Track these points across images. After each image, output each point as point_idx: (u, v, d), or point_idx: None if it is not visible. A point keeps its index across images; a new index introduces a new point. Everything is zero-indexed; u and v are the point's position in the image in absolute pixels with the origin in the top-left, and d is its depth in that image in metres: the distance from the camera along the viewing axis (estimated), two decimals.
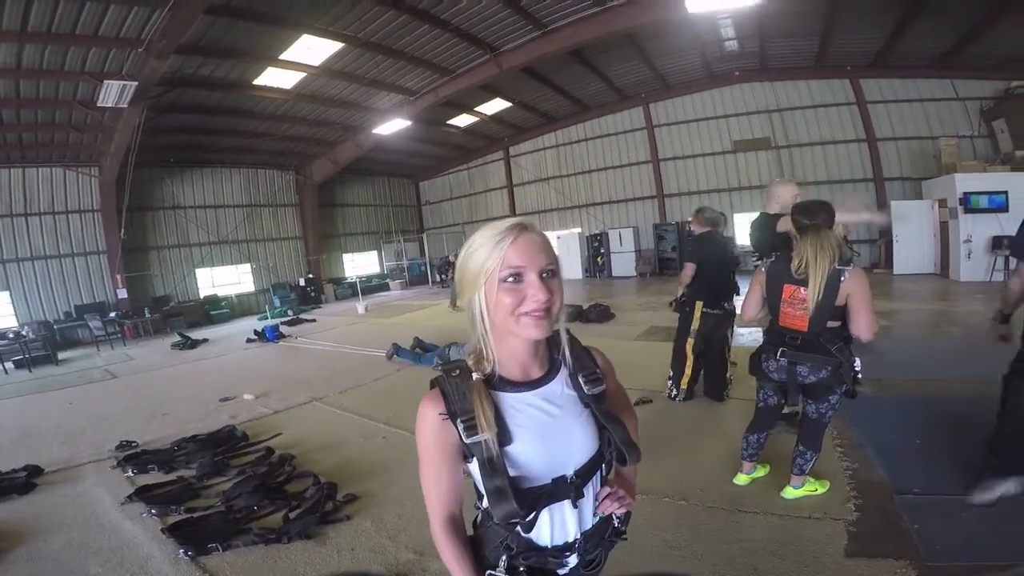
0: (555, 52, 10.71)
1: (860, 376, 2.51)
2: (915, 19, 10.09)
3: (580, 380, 1.01)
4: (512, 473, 0.93)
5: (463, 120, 15.52)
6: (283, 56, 9.51)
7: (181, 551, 2.63)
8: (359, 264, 19.94)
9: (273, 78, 10.35)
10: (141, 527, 2.99)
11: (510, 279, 0.89)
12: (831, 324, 2.45)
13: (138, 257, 13.48)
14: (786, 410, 2.99)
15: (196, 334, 11.23)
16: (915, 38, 11.03)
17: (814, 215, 2.53)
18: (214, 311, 14.21)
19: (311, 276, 17.01)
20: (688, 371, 4.38)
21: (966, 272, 10.46)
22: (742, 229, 14.92)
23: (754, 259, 3.90)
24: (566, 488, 0.96)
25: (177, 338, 10.62)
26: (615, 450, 1.02)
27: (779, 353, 2.55)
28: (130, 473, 3.79)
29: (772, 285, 2.60)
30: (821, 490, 2.77)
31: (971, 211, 10.30)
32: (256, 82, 10.38)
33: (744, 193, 15.00)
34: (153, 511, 3.09)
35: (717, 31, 11.06)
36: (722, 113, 14.95)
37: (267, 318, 13.04)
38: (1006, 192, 10.00)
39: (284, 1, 7.89)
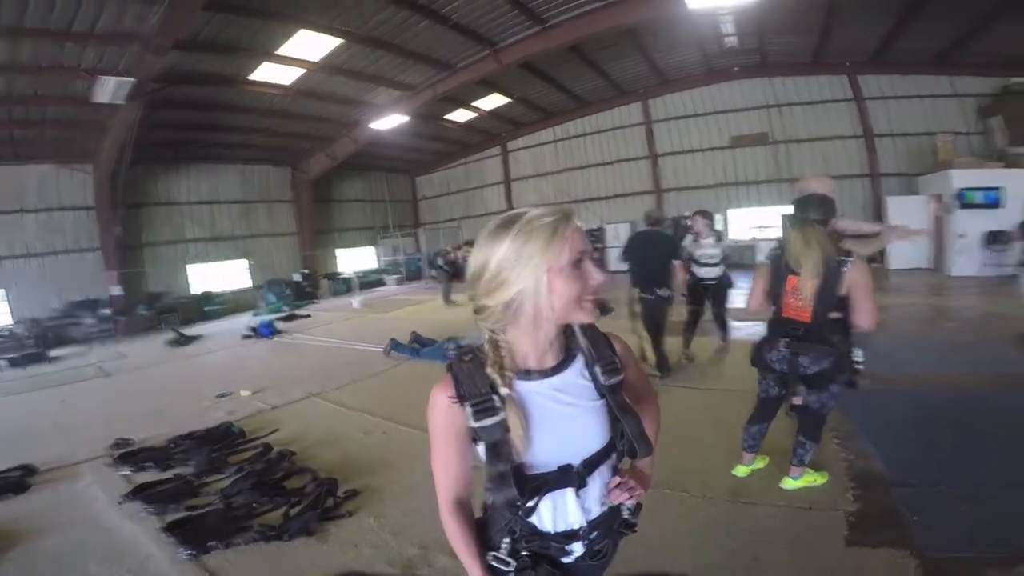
0: (555, 48, 10.69)
1: (861, 367, 2.53)
2: (915, 17, 10.12)
3: (597, 370, 1.01)
4: (517, 460, 0.93)
5: (461, 115, 15.44)
6: (280, 51, 9.42)
7: (181, 550, 2.61)
8: (355, 259, 19.85)
9: (270, 74, 10.25)
10: (140, 526, 2.97)
11: (576, 265, 0.91)
12: (833, 315, 2.46)
13: (132, 253, 13.33)
14: (796, 401, 3.01)
15: (190, 331, 11.16)
16: (915, 35, 11.04)
17: (806, 210, 2.56)
18: (208, 307, 14.09)
19: (306, 272, 16.88)
20: (646, 349, 4.88)
21: (960, 267, 10.56)
22: (737, 225, 15.01)
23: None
24: (571, 477, 0.96)
25: (171, 335, 10.55)
26: (627, 442, 1.01)
27: (782, 344, 2.56)
28: (126, 471, 3.76)
29: (776, 277, 2.61)
30: (820, 481, 2.79)
31: (966, 206, 10.39)
32: (252, 77, 10.28)
33: (741, 188, 15.03)
34: (151, 510, 3.07)
35: (717, 27, 11.03)
36: (720, 109, 14.94)
37: (262, 314, 12.97)
38: (1000, 188, 10.10)
39: None
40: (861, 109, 13.48)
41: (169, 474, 3.63)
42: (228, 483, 3.30)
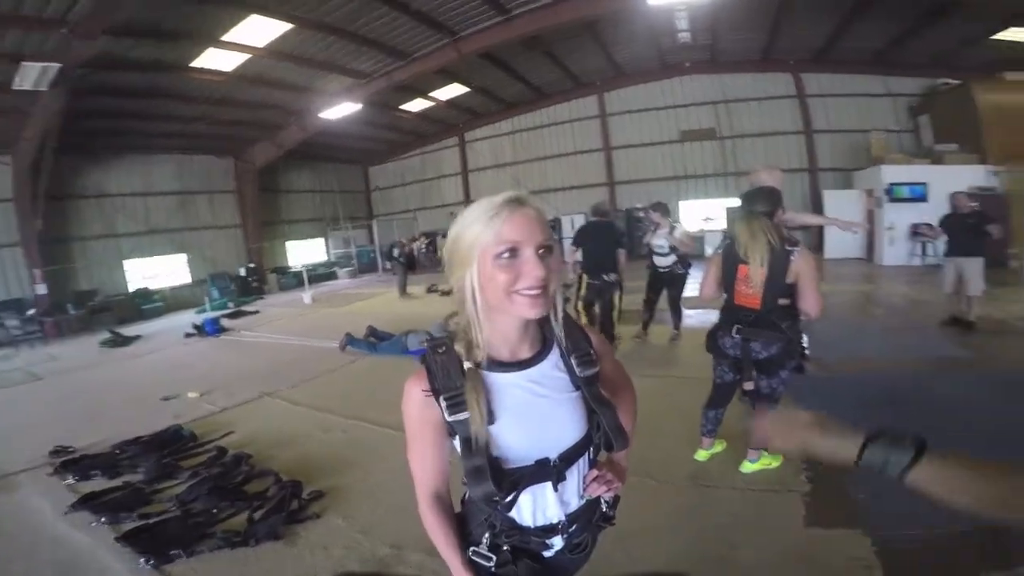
0: (517, 38, 10.65)
1: (808, 352, 2.68)
2: (859, 17, 10.71)
3: (573, 361, 0.99)
4: (494, 453, 0.92)
5: (417, 105, 15.15)
6: (226, 37, 8.89)
7: (141, 560, 2.47)
8: (304, 252, 19.14)
9: (213, 60, 9.67)
10: (92, 536, 2.80)
11: (505, 255, 0.86)
12: (781, 302, 2.59)
13: (59, 249, 12.30)
14: (747, 387, 3.15)
15: (127, 330, 10.47)
16: (856, 35, 11.72)
17: (753, 202, 2.69)
18: (146, 305, 13.22)
19: (252, 266, 16.14)
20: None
21: (889, 257, 11.36)
22: (688, 216, 15.51)
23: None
24: (548, 470, 0.96)
25: (106, 335, 9.87)
26: (603, 435, 1.01)
27: (734, 330, 2.68)
28: (70, 480, 3.52)
29: (727, 266, 2.72)
30: (775, 464, 2.94)
31: (895, 200, 11.17)
32: (194, 64, 9.67)
33: (691, 182, 15.55)
34: (103, 519, 2.89)
35: (672, 22, 11.27)
36: (672, 103, 15.37)
37: (206, 311, 12.34)
38: (926, 184, 10.90)
39: None
40: (803, 106, 14.21)
41: (118, 482, 3.42)
42: (183, 489, 3.14)
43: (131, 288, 13.68)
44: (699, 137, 15.22)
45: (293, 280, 16.56)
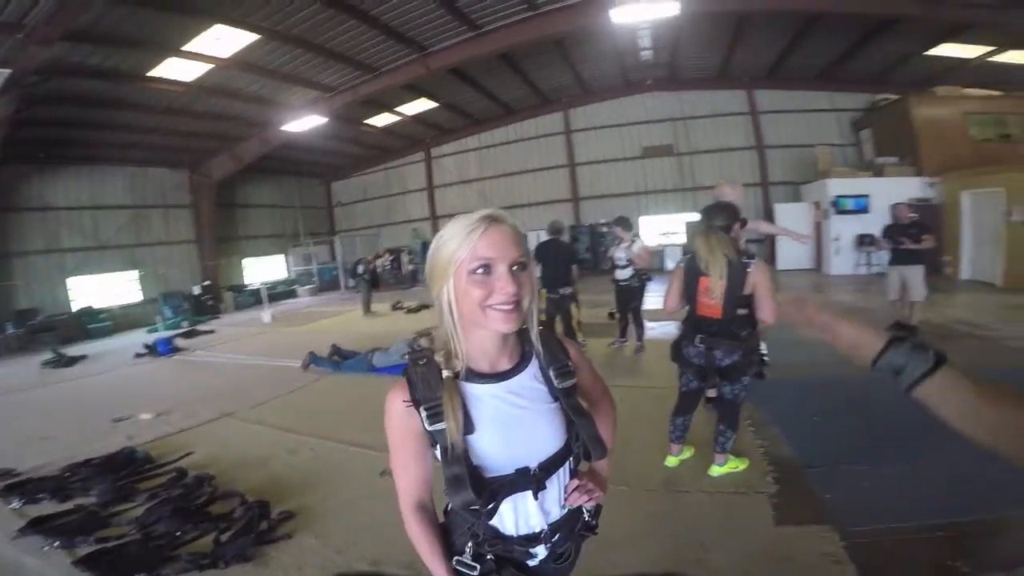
0: (487, 54, 10.79)
1: (767, 359, 2.82)
2: (807, 35, 11.36)
3: (551, 373, 1.02)
4: (474, 462, 0.94)
5: (383, 119, 15.10)
6: (187, 47, 8.68)
7: None
8: (263, 270, 18.58)
9: (172, 69, 9.40)
10: (46, 562, 2.64)
11: (479, 271, 0.89)
12: (740, 312, 2.72)
13: None
14: (710, 394, 3.27)
15: (72, 350, 9.90)
16: (804, 53, 12.42)
17: (712, 218, 2.85)
18: (92, 324, 12.54)
19: (208, 283, 15.48)
20: None
21: (836, 267, 11.98)
22: (649, 231, 15.91)
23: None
24: (528, 480, 0.97)
25: (49, 355, 9.31)
26: (582, 444, 1.04)
27: (698, 340, 2.80)
28: (16, 504, 3.30)
29: (689, 279, 2.85)
30: (742, 467, 3.05)
31: (841, 212, 11.81)
32: (152, 73, 9.38)
33: (651, 197, 16.01)
34: (56, 543, 2.72)
35: (636, 40, 11.75)
36: (633, 120, 15.85)
37: (158, 330, 11.81)
38: (868, 196, 11.57)
39: None
40: (755, 122, 14.90)
41: (69, 505, 3.23)
42: (143, 511, 2.99)
43: (76, 306, 12.94)
44: (658, 153, 15.73)
45: (251, 298, 16.03)
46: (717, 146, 15.23)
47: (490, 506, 0.95)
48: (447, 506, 1.06)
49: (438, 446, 0.95)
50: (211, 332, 11.35)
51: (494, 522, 0.99)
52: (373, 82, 11.39)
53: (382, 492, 3.14)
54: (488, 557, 1.00)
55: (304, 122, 11.98)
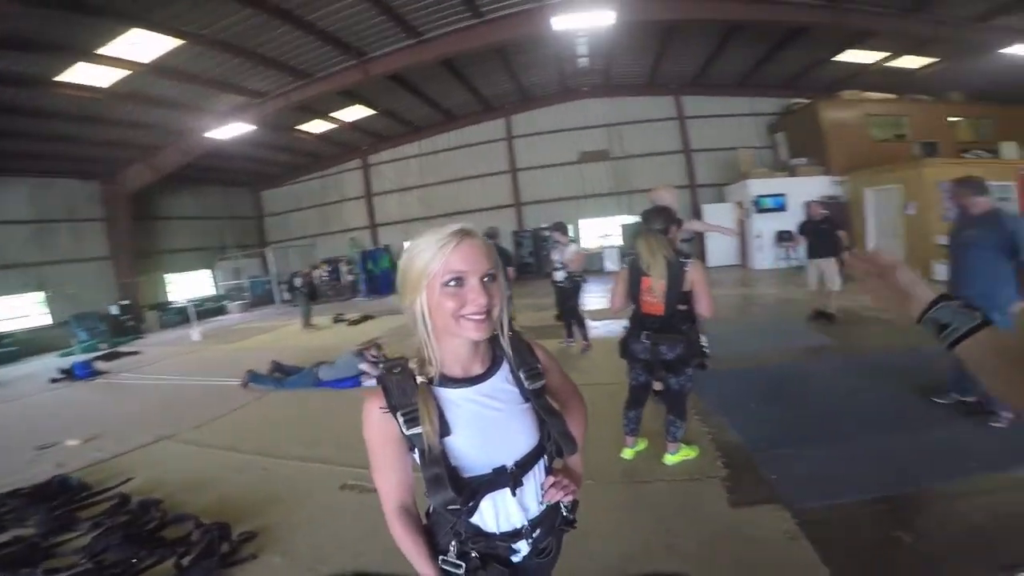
0: (429, 61, 10.68)
1: (707, 350, 3.03)
2: (729, 43, 12.10)
3: (521, 376, 1.08)
4: (452, 463, 0.98)
5: (318, 126, 14.60)
6: (102, 51, 8.01)
7: None
8: (189, 286, 17.44)
9: (83, 75, 8.65)
10: None
11: (452, 283, 0.93)
12: (681, 307, 2.91)
13: None
14: (657, 387, 3.44)
15: None
16: (726, 60, 13.24)
17: (651, 221, 3.04)
18: None
19: (126, 302, 14.33)
20: None
21: (760, 262, 12.87)
22: (588, 234, 16.36)
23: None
24: (505, 478, 1.02)
25: None
26: (554, 442, 1.09)
27: (643, 336, 2.96)
28: None
29: (633, 279, 3.01)
30: (693, 455, 3.23)
31: (761, 211, 12.70)
32: (60, 79, 8.59)
33: (589, 201, 16.49)
34: None
35: (574, 48, 12.10)
36: (571, 126, 16.29)
37: (71, 354, 10.87)
38: (785, 195, 12.52)
39: None
40: (683, 127, 15.70)
41: (6, 537, 2.98)
42: (90, 540, 2.78)
43: None
44: (595, 158, 16.26)
45: (176, 317, 15.02)
46: (649, 150, 15.92)
47: (470, 504, 0.98)
48: (429, 508, 1.08)
49: (416, 450, 0.97)
50: (136, 353, 10.59)
51: (475, 520, 1.02)
52: (307, 88, 10.99)
53: (345, 506, 3.08)
54: (473, 555, 1.02)
55: (231, 129, 11.39)
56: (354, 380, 5.87)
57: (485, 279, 0.95)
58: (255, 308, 17.17)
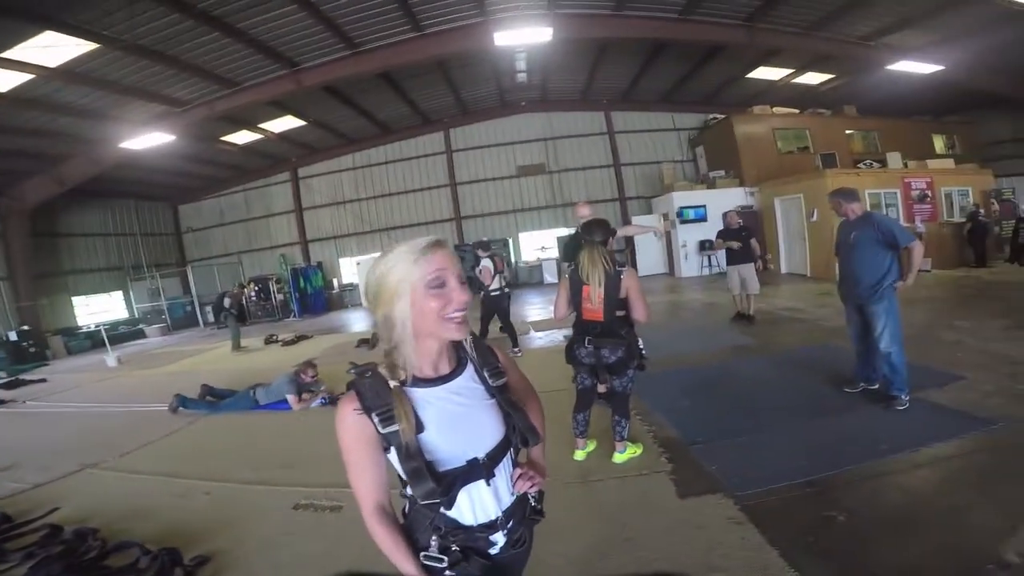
0: (366, 73, 10.56)
1: (645, 353, 3.29)
2: (655, 60, 12.87)
3: (485, 374, 1.19)
4: (428, 458, 1.06)
5: (243, 137, 13.95)
6: (7, 55, 7.37)
7: None
8: (100, 309, 16.09)
9: None
10: None
11: (436, 285, 1.04)
12: (619, 313, 3.15)
13: None
14: (601, 390, 3.66)
15: None
16: (651, 77, 14.07)
17: (592, 233, 3.27)
18: None
19: (26, 328, 13.03)
20: None
21: (685, 270, 13.71)
22: (526, 246, 16.70)
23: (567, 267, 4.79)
24: (479, 469, 1.08)
25: None
26: (519, 434, 1.20)
27: (586, 341, 3.17)
28: None
29: (574, 288, 3.22)
30: (639, 452, 3.46)
31: (685, 222, 13.54)
32: None
33: (527, 214, 16.88)
34: None
35: (513, 63, 12.41)
36: (510, 140, 16.63)
37: None
38: (705, 206, 13.43)
39: None
40: (612, 141, 16.45)
41: None
42: (26, 571, 2.60)
43: None
44: (532, 172, 16.69)
45: (87, 342, 13.81)
46: (582, 164, 16.56)
47: (449, 494, 1.06)
48: (405, 508, 1.15)
49: (392, 448, 1.04)
50: (42, 381, 9.69)
51: (453, 514, 1.08)
52: (233, 97, 10.52)
53: (302, 525, 3.03)
54: (454, 548, 1.09)
55: (147, 139, 10.68)
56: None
57: (460, 281, 1.07)
58: (178, 331, 16.06)
